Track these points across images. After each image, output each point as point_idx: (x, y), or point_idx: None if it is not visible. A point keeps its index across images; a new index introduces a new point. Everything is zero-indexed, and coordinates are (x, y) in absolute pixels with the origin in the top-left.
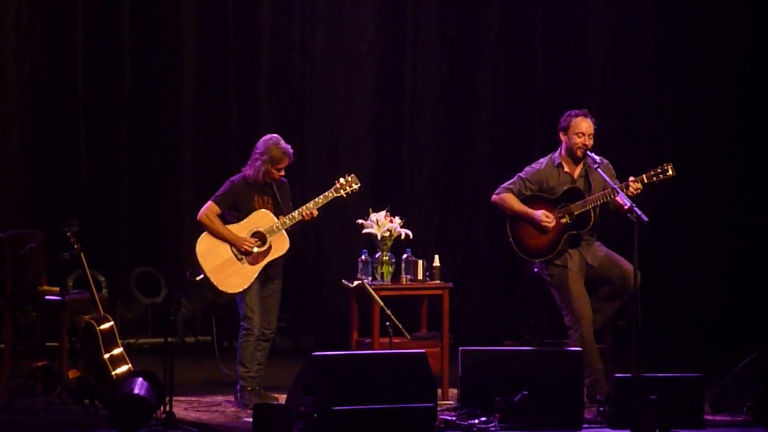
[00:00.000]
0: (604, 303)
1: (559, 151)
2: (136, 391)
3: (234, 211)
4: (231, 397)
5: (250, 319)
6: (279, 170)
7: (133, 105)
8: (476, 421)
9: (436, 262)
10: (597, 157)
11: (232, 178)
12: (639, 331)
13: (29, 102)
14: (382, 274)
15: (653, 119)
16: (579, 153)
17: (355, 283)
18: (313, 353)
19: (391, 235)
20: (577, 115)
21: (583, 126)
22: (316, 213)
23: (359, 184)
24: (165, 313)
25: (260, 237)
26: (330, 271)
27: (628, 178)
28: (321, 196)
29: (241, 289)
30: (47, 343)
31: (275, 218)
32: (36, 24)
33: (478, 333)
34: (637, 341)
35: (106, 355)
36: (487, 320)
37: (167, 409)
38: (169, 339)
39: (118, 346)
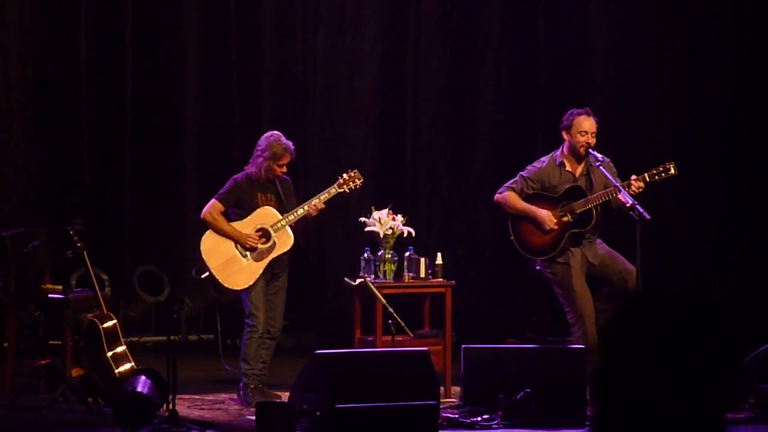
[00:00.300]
0: (604, 303)
1: (561, 149)
2: (139, 389)
3: (237, 209)
4: (234, 395)
5: (254, 316)
6: (281, 167)
7: (136, 104)
8: (479, 418)
9: (439, 260)
10: (599, 155)
11: (235, 176)
12: None
13: (32, 101)
14: (384, 272)
15: (655, 118)
16: (582, 152)
17: (358, 281)
18: (316, 351)
19: (393, 233)
20: (579, 114)
21: (586, 125)
22: (322, 205)
23: (362, 180)
24: (168, 312)
25: (264, 233)
26: (332, 269)
27: (630, 176)
28: (324, 192)
29: (246, 286)
30: (50, 342)
31: (279, 215)
32: (39, 23)
33: (481, 331)
34: None
35: (109, 354)
36: (490, 318)
37: (170, 407)
38: (172, 337)
39: (121, 345)
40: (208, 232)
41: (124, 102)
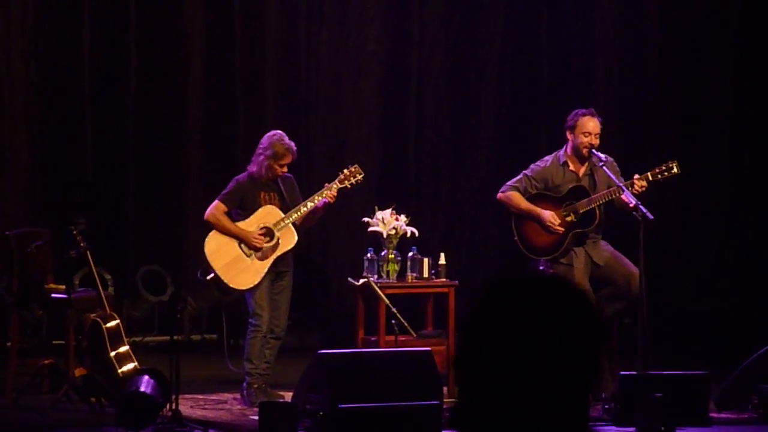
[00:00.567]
0: (605, 303)
1: (564, 149)
2: (142, 389)
3: (240, 209)
4: (237, 395)
5: (258, 316)
6: (282, 166)
7: (139, 103)
8: None
9: (442, 260)
10: (602, 155)
11: (237, 177)
12: (645, 329)
13: (36, 101)
14: (387, 272)
15: (658, 118)
16: (585, 152)
17: (361, 281)
18: (319, 351)
19: (396, 233)
20: (584, 115)
21: (590, 125)
22: (335, 193)
23: (363, 175)
24: (171, 311)
25: (268, 232)
26: (336, 270)
27: (633, 176)
28: (326, 188)
29: (251, 285)
30: (53, 342)
31: (282, 213)
32: (42, 23)
33: None
34: (642, 339)
35: (113, 353)
36: None
37: (173, 407)
38: (175, 337)
39: (125, 344)
40: (211, 232)
41: (127, 102)
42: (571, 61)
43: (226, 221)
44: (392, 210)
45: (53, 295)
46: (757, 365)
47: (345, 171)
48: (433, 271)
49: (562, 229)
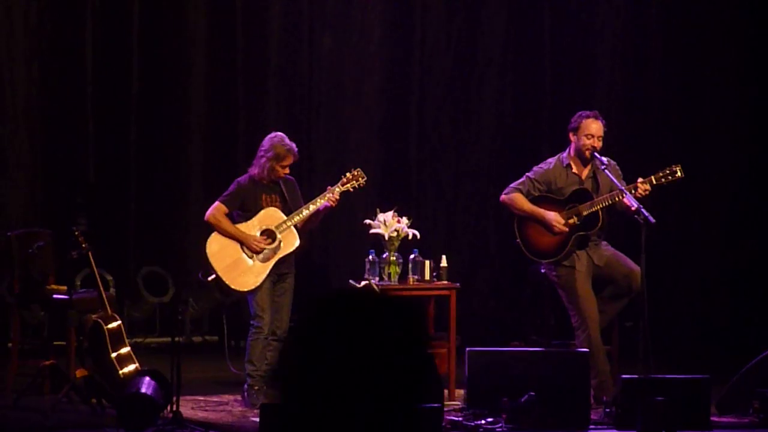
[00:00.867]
0: (608, 303)
1: (567, 151)
2: (143, 390)
3: (242, 211)
4: (238, 397)
5: (260, 317)
6: (283, 168)
7: (141, 104)
8: (483, 421)
9: (444, 263)
10: (604, 159)
11: (239, 179)
12: (646, 333)
13: (38, 101)
14: (389, 274)
15: (661, 121)
16: (587, 154)
17: (363, 283)
18: None
19: (398, 235)
20: (588, 117)
21: (593, 128)
22: (338, 197)
23: (365, 178)
24: (172, 313)
25: (269, 234)
26: (337, 272)
27: (637, 179)
28: (328, 192)
29: (253, 287)
30: (55, 342)
31: (283, 215)
32: (44, 23)
33: (486, 334)
34: (644, 342)
35: (114, 355)
36: (495, 321)
37: (174, 408)
38: (177, 338)
39: (126, 346)
40: (213, 234)
41: (129, 103)
42: (573, 64)
43: (226, 223)
44: (394, 212)
45: (54, 295)
46: (758, 369)
47: (348, 174)
48: (434, 274)
49: (567, 228)
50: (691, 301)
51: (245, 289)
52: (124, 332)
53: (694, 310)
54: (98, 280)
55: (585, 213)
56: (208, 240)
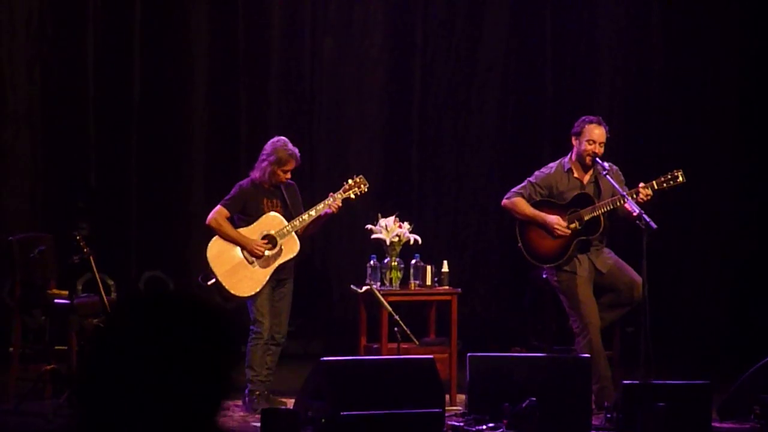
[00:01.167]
0: (606, 310)
1: (569, 156)
2: None
3: (243, 215)
4: (239, 402)
5: (260, 323)
6: (285, 172)
7: (143, 108)
8: (484, 427)
9: (445, 268)
10: (606, 164)
11: (241, 183)
12: (647, 338)
13: (39, 105)
14: (390, 279)
15: (663, 126)
16: (588, 160)
17: (364, 288)
18: (322, 358)
19: (400, 240)
20: (591, 122)
21: (596, 133)
22: (339, 203)
23: (367, 185)
24: None
25: (270, 240)
26: (338, 277)
27: (638, 184)
28: (329, 198)
29: (252, 293)
30: (56, 347)
31: (284, 221)
32: (46, 27)
33: (487, 339)
34: (645, 348)
35: None
36: (496, 326)
37: None
38: None
39: None
40: (214, 238)
41: (131, 107)
42: (575, 68)
43: (227, 227)
44: (395, 217)
45: (56, 300)
46: (759, 375)
47: (350, 181)
48: (436, 279)
49: (569, 231)
50: (692, 307)
51: (244, 295)
52: None
53: (695, 316)
54: (100, 284)
55: (586, 218)
56: (209, 244)
